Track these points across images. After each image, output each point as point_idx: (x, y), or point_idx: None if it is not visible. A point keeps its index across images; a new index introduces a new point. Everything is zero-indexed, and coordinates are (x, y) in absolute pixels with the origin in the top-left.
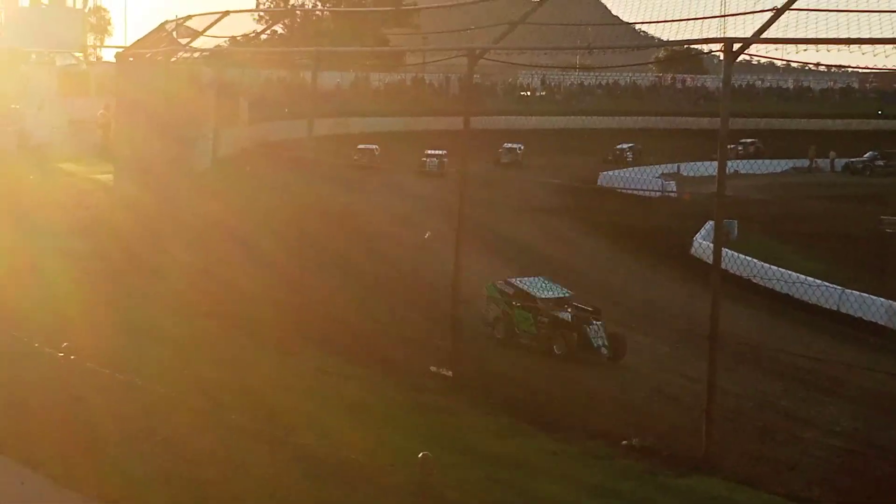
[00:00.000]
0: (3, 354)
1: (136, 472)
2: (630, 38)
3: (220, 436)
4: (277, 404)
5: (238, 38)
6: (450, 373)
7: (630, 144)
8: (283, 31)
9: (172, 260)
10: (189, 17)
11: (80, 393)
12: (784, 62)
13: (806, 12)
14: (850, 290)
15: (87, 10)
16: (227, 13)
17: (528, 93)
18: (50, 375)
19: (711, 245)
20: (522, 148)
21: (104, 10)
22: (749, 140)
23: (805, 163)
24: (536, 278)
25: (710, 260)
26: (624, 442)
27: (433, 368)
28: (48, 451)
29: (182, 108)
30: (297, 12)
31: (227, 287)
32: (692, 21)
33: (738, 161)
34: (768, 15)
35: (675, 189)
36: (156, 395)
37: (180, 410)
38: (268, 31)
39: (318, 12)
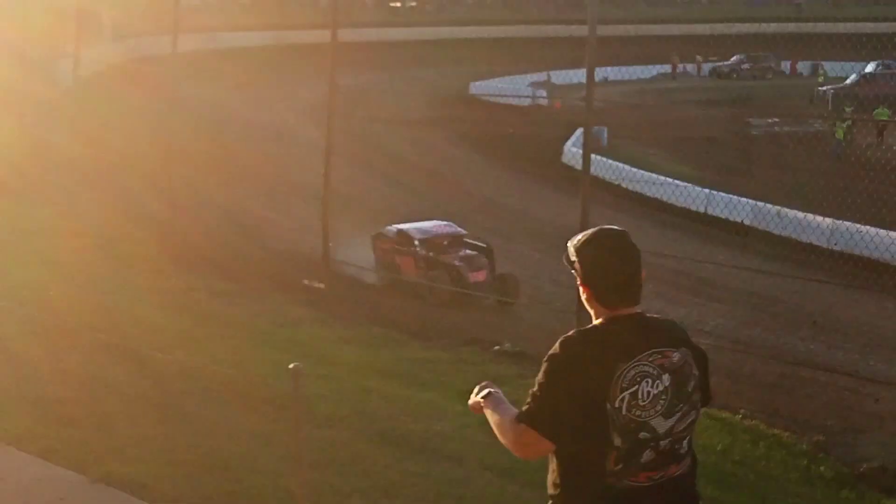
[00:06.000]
0: None
1: None
2: None
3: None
4: (148, 322)
5: None
6: (322, 285)
7: None
8: None
9: None
10: None
11: None
12: None
13: None
14: (717, 192)
15: None
16: None
17: (399, 3)
18: None
19: (581, 152)
20: None
21: None
22: None
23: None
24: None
25: (581, 167)
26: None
27: (306, 282)
28: None
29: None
30: None
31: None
32: None
33: (608, 68)
34: None
35: (545, 96)
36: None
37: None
38: None
39: None
